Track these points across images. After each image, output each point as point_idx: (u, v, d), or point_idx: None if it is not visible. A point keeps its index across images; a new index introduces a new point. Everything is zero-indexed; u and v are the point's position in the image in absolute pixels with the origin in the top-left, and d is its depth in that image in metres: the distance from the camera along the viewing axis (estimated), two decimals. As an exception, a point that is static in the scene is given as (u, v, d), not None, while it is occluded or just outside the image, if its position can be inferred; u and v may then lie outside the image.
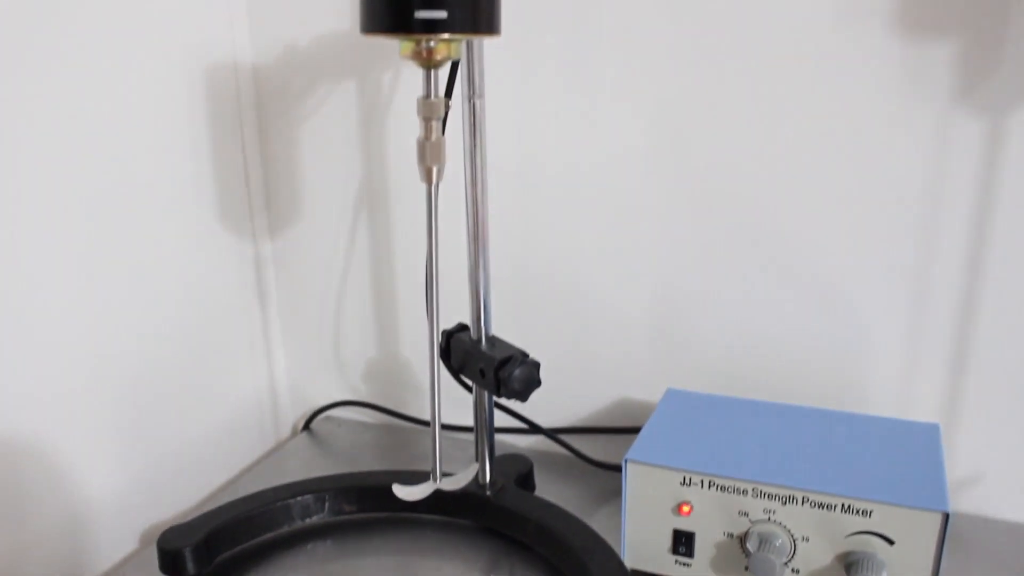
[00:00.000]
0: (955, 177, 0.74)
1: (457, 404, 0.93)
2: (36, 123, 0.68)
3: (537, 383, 0.73)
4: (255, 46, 0.90)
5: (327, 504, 0.79)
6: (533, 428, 0.90)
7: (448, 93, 0.64)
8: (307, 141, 0.91)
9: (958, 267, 0.76)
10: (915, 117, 0.74)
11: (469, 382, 0.76)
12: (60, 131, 0.70)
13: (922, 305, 0.77)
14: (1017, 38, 0.70)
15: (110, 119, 0.75)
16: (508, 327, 0.90)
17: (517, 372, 0.71)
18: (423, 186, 0.68)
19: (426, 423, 0.96)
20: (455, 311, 0.89)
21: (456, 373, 0.77)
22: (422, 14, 0.51)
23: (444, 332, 0.77)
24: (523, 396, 0.72)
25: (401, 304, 0.94)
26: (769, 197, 0.79)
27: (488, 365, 0.72)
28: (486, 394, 0.76)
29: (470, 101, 0.69)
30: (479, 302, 0.74)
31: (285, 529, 0.78)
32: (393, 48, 0.85)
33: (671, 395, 0.79)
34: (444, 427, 0.95)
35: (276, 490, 0.79)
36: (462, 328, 0.77)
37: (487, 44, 0.81)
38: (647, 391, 0.87)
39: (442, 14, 0.51)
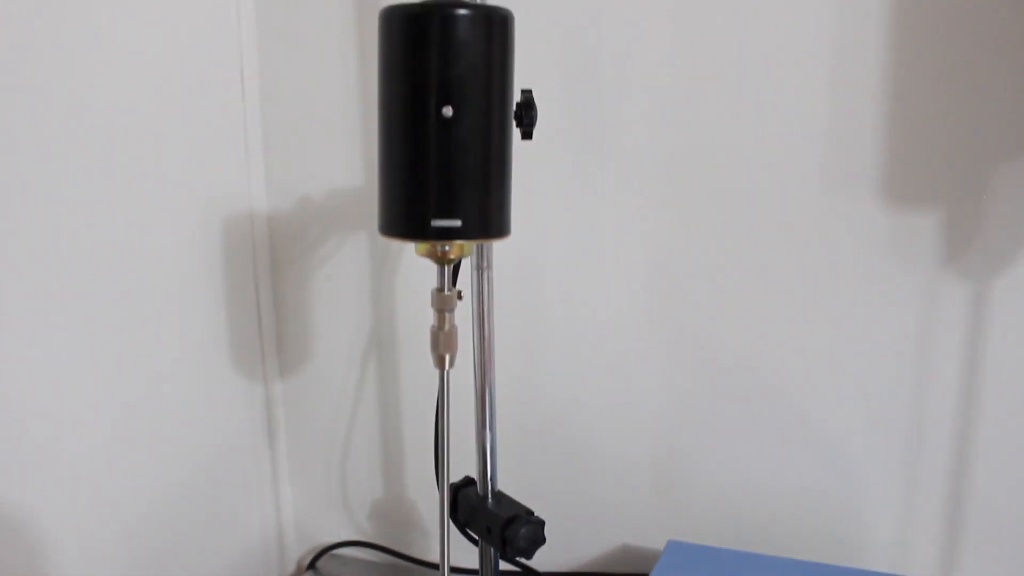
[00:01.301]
0: (943, 338, 0.79)
1: (461, 545, 0.96)
2: (59, 278, 0.73)
3: (542, 542, 0.76)
4: (271, 198, 0.96)
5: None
6: (536, 574, 0.92)
7: (453, 282, 0.68)
8: (319, 287, 0.96)
9: (950, 423, 0.80)
10: (903, 282, 0.79)
11: (476, 536, 0.80)
12: (83, 282, 0.75)
13: (916, 461, 0.81)
14: (996, 209, 0.75)
15: (131, 267, 0.80)
16: (513, 472, 0.93)
17: (523, 531, 0.75)
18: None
19: (430, 564, 0.98)
20: (462, 457, 0.92)
21: (463, 527, 0.80)
22: (438, 223, 0.56)
23: (451, 486, 0.81)
24: (528, 554, 0.76)
25: (408, 446, 0.97)
26: (766, 355, 0.83)
27: (494, 524, 0.75)
28: (492, 548, 0.79)
29: (479, 271, 0.74)
30: (485, 461, 0.77)
31: None
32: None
33: (672, 547, 0.82)
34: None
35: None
36: (469, 482, 0.81)
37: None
38: (648, 539, 0.90)
39: (456, 223, 0.56)
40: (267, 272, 0.98)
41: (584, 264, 0.87)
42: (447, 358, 0.62)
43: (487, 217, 0.58)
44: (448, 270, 0.61)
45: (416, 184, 0.57)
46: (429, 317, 0.65)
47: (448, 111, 0.55)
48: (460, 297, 0.62)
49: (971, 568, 0.81)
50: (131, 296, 0.80)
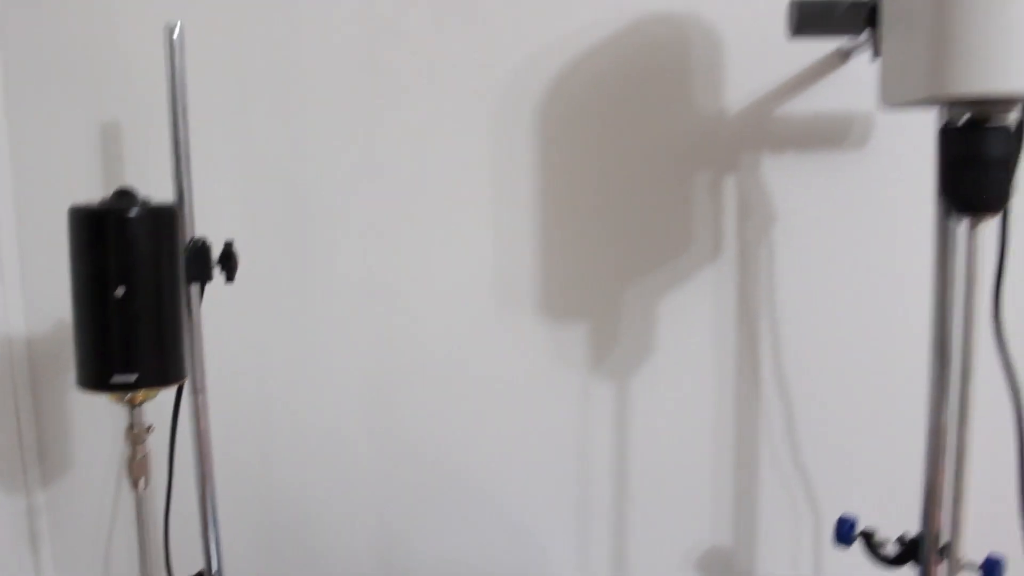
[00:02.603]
0: (596, 426, 1.00)
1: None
2: None
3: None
4: (28, 320, 1.10)
5: None
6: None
7: (177, 405, 0.84)
8: (78, 400, 1.10)
9: (608, 494, 1.01)
10: (563, 382, 1.00)
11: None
12: None
13: (586, 527, 1.02)
14: (628, 323, 0.98)
15: None
16: (248, 563, 1.09)
17: (241, 617, 0.91)
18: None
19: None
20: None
21: (197, 617, 0.96)
22: (118, 379, 0.73)
23: (185, 580, 0.96)
24: (247, 638, 0.92)
25: (170, 538, 1.11)
26: (461, 450, 1.03)
27: (217, 613, 0.91)
28: (220, 634, 0.95)
29: (194, 394, 0.91)
30: (210, 556, 0.93)
31: None
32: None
33: (384, 619, 1.00)
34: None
35: None
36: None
37: (214, 306, 1.03)
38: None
39: (132, 377, 0.73)
40: (27, 389, 1.11)
41: (304, 377, 1.04)
42: (141, 480, 0.78)
43: (162, 368, 0.75)
44: (138, 411, 0.78)
45: (99, 347, 0.73)
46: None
47: (120, 291, 0.72)
48: (150, 430, 0.79)
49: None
50: None
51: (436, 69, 0.97)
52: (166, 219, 0.75)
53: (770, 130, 0.96)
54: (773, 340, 0.99)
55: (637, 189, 0.97)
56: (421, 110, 0.98)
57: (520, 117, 0.97)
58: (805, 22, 0.76)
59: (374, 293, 1.02)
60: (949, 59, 0.63)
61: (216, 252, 0.85)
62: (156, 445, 0.98)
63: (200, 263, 0.86)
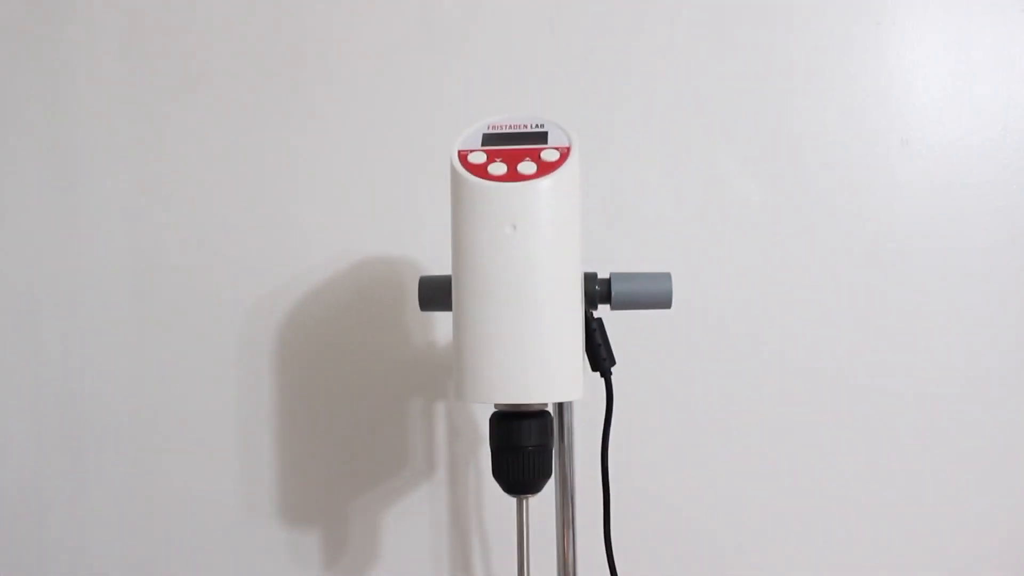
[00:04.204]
0: (334, 625, 1.13)
1: None
2: None
3: None
4: None
5: None
6: None
7: None
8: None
9: None
10: (301, 583, 1.13)
11: None
12: None
13: None
14: (357, 531, 1.11)
15: None
16: None
17: None
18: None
19: None
20: None
21: None
22: None
23: None
24: None
25: None
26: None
27: None
28: None
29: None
30: None
31: None
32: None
33: None
34: None
35: None
36: None
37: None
38: None
39: None
40: None
41: None
42: None
43: None
44: None
45: None
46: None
47: None
48: None
49: None
50: None
51: (188, 299, 1.14)
52: None
53: (474, 360, 1.09)
54: (483, 552, 1.10)
55: (362, 411, 1.11)
56: (175, 339, 1.14)
57: (261, 346, 1.12)
58: (425, 298, 0.88)
59: (143, 502, 1.16)
60: (458, 368, 0.76)
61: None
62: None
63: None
